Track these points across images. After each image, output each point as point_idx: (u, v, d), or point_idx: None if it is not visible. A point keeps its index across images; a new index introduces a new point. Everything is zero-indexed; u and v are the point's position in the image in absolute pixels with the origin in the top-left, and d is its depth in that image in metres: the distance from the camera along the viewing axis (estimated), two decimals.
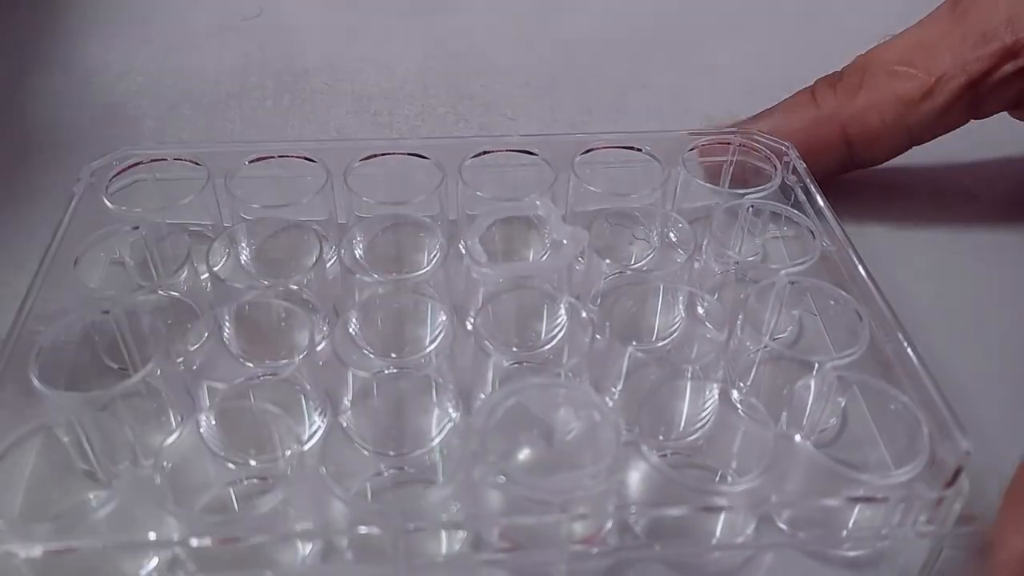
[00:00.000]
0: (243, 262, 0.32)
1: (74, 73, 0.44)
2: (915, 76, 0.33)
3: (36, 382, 0.25)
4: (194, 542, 0.22)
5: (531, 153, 0.33)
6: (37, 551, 0.21)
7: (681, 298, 0.30)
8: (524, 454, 0.24)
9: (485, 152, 0.33)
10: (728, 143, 0.34)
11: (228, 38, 0.48)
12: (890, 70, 0.33)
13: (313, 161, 0.33)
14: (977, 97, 0.33)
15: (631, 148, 0.34)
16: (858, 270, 0.29)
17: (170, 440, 0.24)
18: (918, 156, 0.36)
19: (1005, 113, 0.34)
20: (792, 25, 0.51)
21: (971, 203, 0.38)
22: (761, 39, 0.49)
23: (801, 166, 0.33)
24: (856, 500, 0.23)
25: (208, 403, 0.27)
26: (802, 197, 0.33)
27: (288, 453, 0.24)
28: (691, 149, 0.34)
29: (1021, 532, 0.22)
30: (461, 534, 0.24)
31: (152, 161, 0.32)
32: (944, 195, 0.38)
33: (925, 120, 0.33)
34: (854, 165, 0.35)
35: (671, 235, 0.33)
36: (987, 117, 0.34)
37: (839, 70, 0.35)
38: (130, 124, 0.41)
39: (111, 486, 0.25)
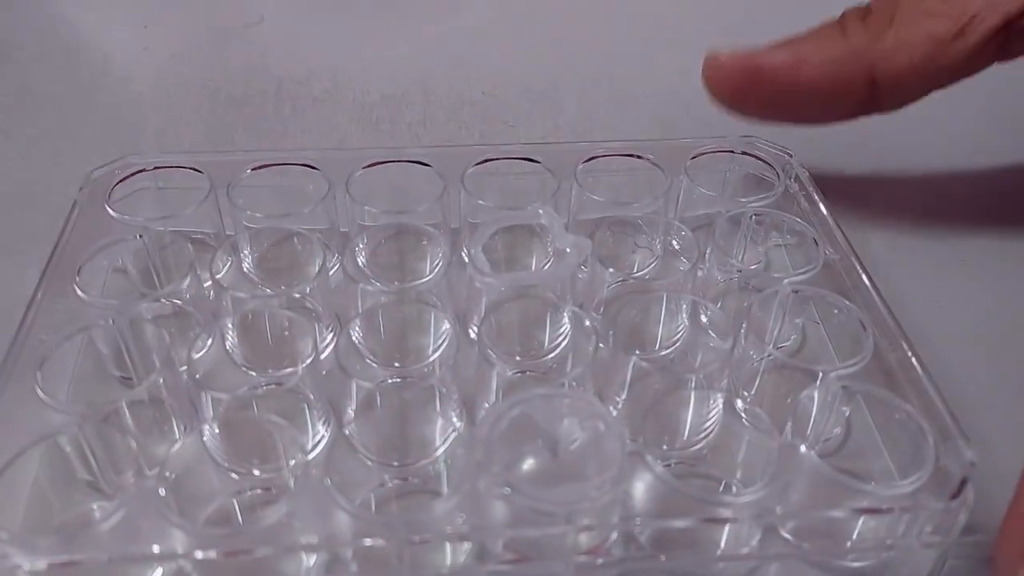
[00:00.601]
0: (245, 271, 0.32)
1: (76, 80, 0.44)
2: (948, 15, 0.31)
3: (40, 392, 0.25)
4: (199, 554, 0.22)
5: (534, 161, 0.33)
6: (42, 564, 0.21)
7: (684, 307, 0.30)
8: (529, 465, 0.24)
9: (488, 160, 0.33)
10: (730, 151, 0.34)
11: (229, 45, 0.47)
12: (922, 7, 0.32)
13: (315, 169, 0.33)
14: (1008, 38, 0.31)
15: (634, 156, 0.34)
16: (861, 279, 0.29)
17: (174, 450, 0.24)
18: (920, 163, 0.36)
19: (1013, 121, 0.34)
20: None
21: (974, 211, 0.38)
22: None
23: (804, 174, 0.33)
24: (861, 511, 0.23)
25: (212, 413, 0.26)
26: (805, 205, 0.33)
27: (292, 463, 0.24)
28: (693, 157, 0.34)
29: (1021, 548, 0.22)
30: (466, 546, 0.24)
31: (155, 169, 0.32)
32: (946, 202, 0.38)
33: (954, 62, 0.32)
34: (874, 108, 0.33)
35: (674, 243, 0.33)
36: (1015, 59, 0.33)
37: (868, 3, 0.34)
38: (131, 131, 0.41)
39: (114, 497, 0.25)
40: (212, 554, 0.22)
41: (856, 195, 0.36)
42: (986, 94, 0.40)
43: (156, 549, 0.22)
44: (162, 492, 0.22)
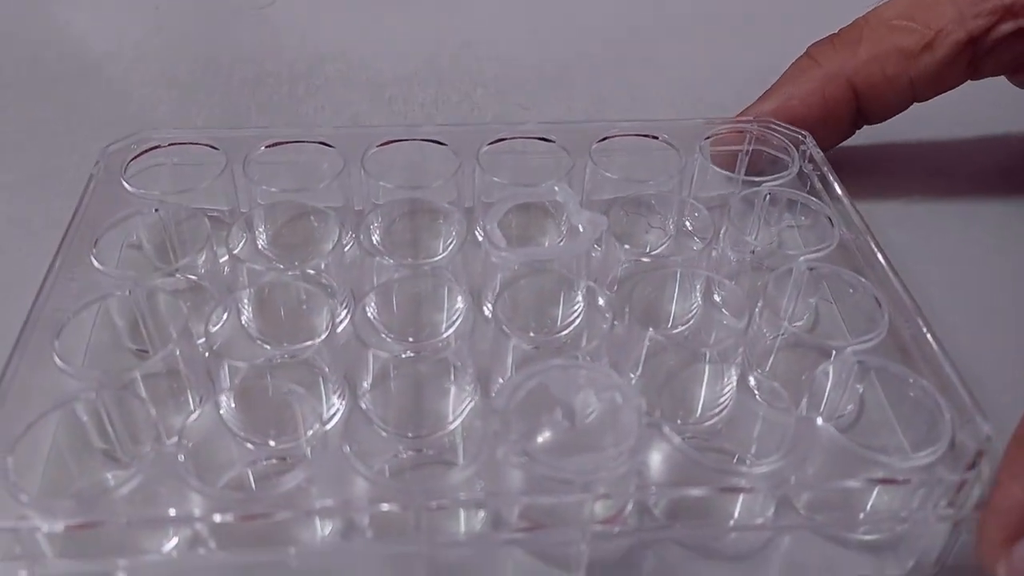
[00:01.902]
0: (260, 246, 0.33)
1: (88, 58, 0.44)
2: (915, 30, 0.33)
3: (58, 360, 0.25)
4: (217, 518, 0.22)
5: (548, 140, 0.33)
6: (59, 526, 0.21)
7: (698, 285, 0.30)
8: (546, 434, 0.24)
9: (502, 139, 0.33)
10: (744, 131, 0.34)
11: (241, 25, 0.48)
12: (890, 24, 0.34)
13: (330, 147, 0.33)
14: (976, 55, 0.33)
15: (648, 136, 0.34)
16: (876, 257, 0.29)
17: (191, 419, 0.24)
18: (933, 135, 0.36)
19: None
20: (804, 15, 0.50)
21: (988, 185, 0.38)
22: (772, 30, 0.49)
23: (818, 154, 0.33)
24: (879, 482, 0.24)
25: (228, 383, 0.27)
26: (819, 185, 0.33)
27: (310, 433, 0.24)
28: (707, 137, 0.34)
29: (1021, 480, 0.22)
30: (481, 514, 0.24)
31: (170, 145, 0.32)
32: (960, 177, 0.38)
33: (926, 74, 0.33)
34: (863, 121, 0.35)
35: (687, 223, 0.33)
36: (985, 78, 0.34)
37: (833, 33, 0.36)
38: (145, 109, 0.41)
39: (131, 465, 0.25)
40: (229, 517, 0.22)
41: (868, 174, 0.36)
42: None
43: (174, 513, 0.22)
44: (182, 458, 0.23)
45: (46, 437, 0.25)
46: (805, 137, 0.34)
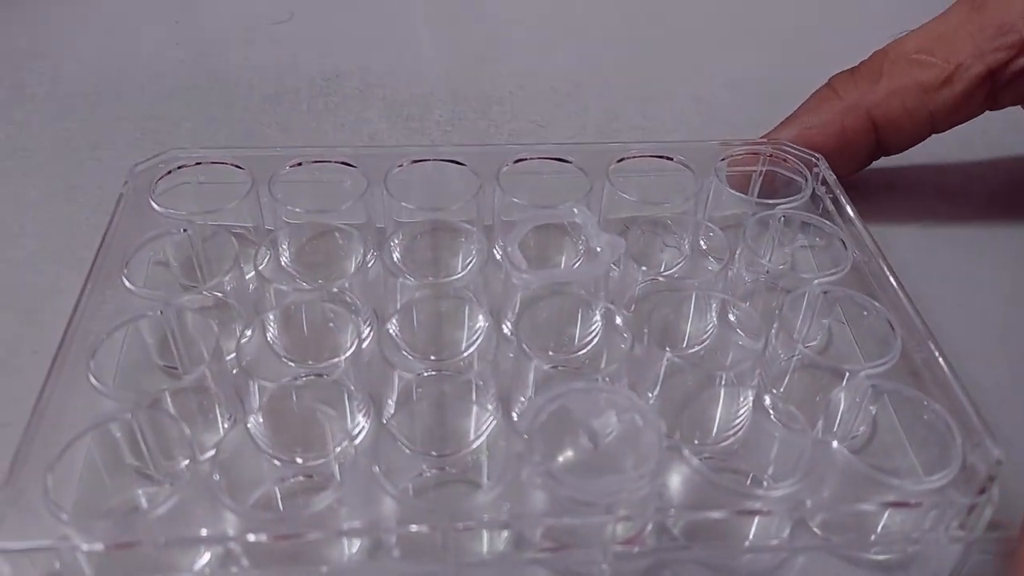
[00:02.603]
0: (284, 264, 0.33)
1: (108, 74, 0.45)
2: (934, 64, 0.34)
3: (93, 381, 0.25)
4: (251, 538, 0.23)
5: (566, 161, 0.34)
6: (99, 546, 0.22)
7: (714, 305, 0.30)
8: (568, 456, 0.25)
9: (521, 159, 0.34)
10: (758, 153, 0.35)
11: (259, 42, 0.48)
12: (910, 59, 0.34)
13: (352, 166, 0.34)
14: (994, 88, 0.34)
15: (664, 157, 0.34)
16: (889, 280, 0.30)
17: (222, 439, 0.25)
18: (947, 158, 0.37)
19: None
20: (813, 33, 0.51)
21: (1001, 208, 0.38)
22: (782, 48, 0.50)
23: (831, 177, 0.34)
24: (892, 505, 0.24)
25: (257, 402, 0.27)
26: (831, 207, 0.33)
27: (338, 451, 0.25)
28: (723, 159, 0.35)
29: None
30: (505, 534, 0.25)
31: (196, 164, 0.33)
32: (971, 199, 0.39)
33: (944, 108, 0.34)
34: (880, 152, 0.36)
35: (703, 243, 0.34)
36: (1003, 108, 0.35)
37: (854, 66, 0.36)
38: (166, 127, 0.42)
39: (163, 482, 0.26)
40: (263, 537, 0.23)
41: (881, 197, 0.37)
42: None
43: (205, 533, 0.23)
44: (216, 478, 0.23)
45: (78, 458, 0.25)
46: (819, 160, 0.34)
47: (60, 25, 0.49)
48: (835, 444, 0.24)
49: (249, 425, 0.26)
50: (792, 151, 0.34)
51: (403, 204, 0.32)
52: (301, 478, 0.27)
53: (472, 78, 0.46)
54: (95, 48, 0.47)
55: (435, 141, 0.41)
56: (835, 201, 0.33)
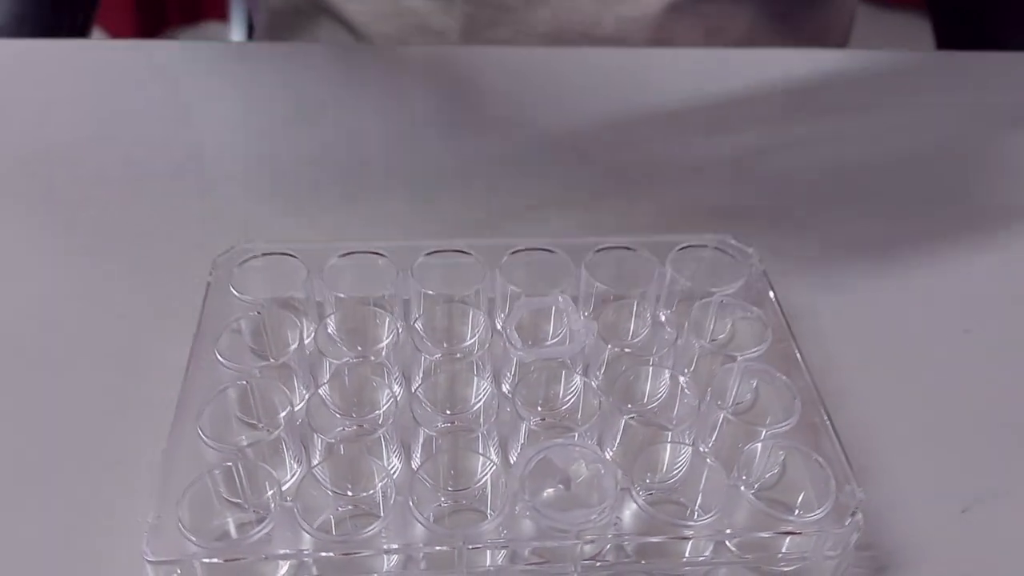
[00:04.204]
0: (330, 333, 0.42)
1: (170, 159, 0.54)
2: None
3: (203, 437, 0.35)
4: (324, 554, 0.32)
5: (552, 251, 0.43)
6: (220, 560, 0.31)
7: (666, 372, 0.40)
8: (549, 495, 0.34)
9: (518, 251, 0.43)
10: (705, 245, 0.44)
11: (298, 129, 0.57)
12: None
13: (385, 256, 0.43)
14: None
15: (630, 248, 0.43)
16: (796, 357, 0.39)
17: (294, 478, 0.34)
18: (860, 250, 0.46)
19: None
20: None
21: (901, 294, 0.48)
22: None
23: (759, 269, 0.43)
24: (785, 533, 0.34)
25: (318, 449, 0.37)
26: (761, 294, 0.42)
27: (380, 487, 0.34)
28: (677, 249, 0.44)
29: None
30: (503, 551, 0.34)
31: (264, 255, 0.42)
32: (879, 285, 0.48)
33: None
34: None
35: (661, 316, 0.43)
36: None
37: None
38: (226, 211, 0.50)
39: (257, 511, 0.35)
40: (332, 553, 0.32)
41: (801, 278, 0.46)
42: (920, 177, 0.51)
43: (284, 551, 0.32)
44: (297, 508, 0.33)
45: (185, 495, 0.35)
46: (751, 254, 0.43)
47: (130, 116, 0.58)
48: (742, 487, 0.34)
49: (314, 469, 0.35)
50: (731, 246, 0.44)
51: (423, 291, 0.42)
52: (351, 507, 0.36)
53: (476, 167, 0.55)
54: (159, 135, 0.56)
55: (449, 226, 0.50)
56: (762, 290, 0.42)
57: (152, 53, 0.64)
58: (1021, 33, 0.89)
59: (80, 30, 0.81)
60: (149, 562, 0.31)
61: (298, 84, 0.61)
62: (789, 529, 0.33)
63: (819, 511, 0.33)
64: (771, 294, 0.42)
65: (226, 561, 0.32)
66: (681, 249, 0.44)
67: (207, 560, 0.31)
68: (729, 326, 0.43)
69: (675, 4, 0.68)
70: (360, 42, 0.73)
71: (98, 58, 0.64)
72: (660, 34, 0.70)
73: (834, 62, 0.66)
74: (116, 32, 1.80)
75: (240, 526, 0.35)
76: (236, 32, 1.25)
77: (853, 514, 0.33)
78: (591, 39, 0.69)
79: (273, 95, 0.60)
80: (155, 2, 1.91)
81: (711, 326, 0.43)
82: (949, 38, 0.83)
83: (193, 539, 0.31)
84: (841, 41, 0.83)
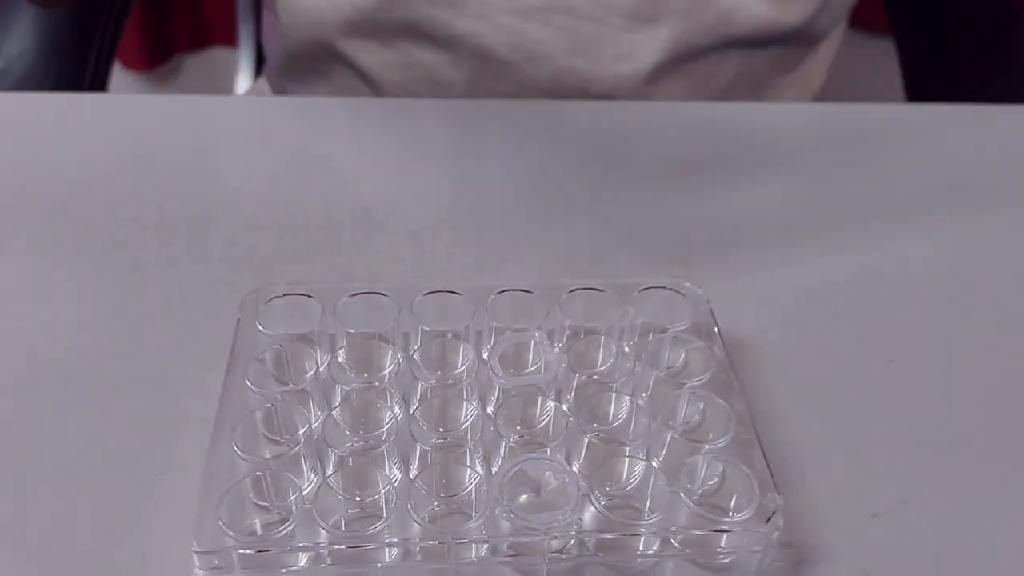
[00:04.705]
0: (340, 362, 0.49)
1: (198, 206, 0.61)
2: None
3: (237, 451, 0.42)
4: (337, 547, 0.39)
5: (530, 292, 0.50)
6: (250, 551, 0.38)
7: (627, 397, 0.47)
8: (523, 500, 0.41)
9: (503, 291, 0.50)
10: (663, 286, 0.51)
11: (315, 176, 0.65)
12: None
13: (387, 296, 0.50)
14: None
15: (598, 290, 0.51)
16: (735, 385, 0.46)
17: (314, 485, 0.41)
18: (800, 290, 0.53)
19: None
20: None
21: (831, 322, 0.55)
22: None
23: (707, 307, 0.50)
24: (717, 531, 0.41)
25: (331, 460, 0.44)
26: (709, 329, 0.50)
27: (383, 493, 0.41)
28: (638, 290, 0.51)
29: None
30: (485, 546, 0.41)
31: (285, 295, 0.50)
32: (812, 318, 0.55)
33: None
34: None
35: (625, 348, 0.50)
36: None
37: None
38: (247, 250, 0.58)
39: (281, 512, 0.42)
40: (343, 547, 0.39)
41: (745, 314, 0.53)
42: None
43: (302, 544, 0.39)
44: (314, 511, 0.40)
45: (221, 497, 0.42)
46: (701, 294, 0.51)
47: (161, 167, 0.66)
48: (682, 494, 0.41)
49: (328, 479, 0.42)
50: (686, 287, 0.51)
51: (421, 327, 0.49)
52: (358, 510, 0.43)
53: (471, 211, 0.62)
54: (189, 184, 0.64)
55: (444, 265, 0.57)
56: (708, 326, 0.50)
57: (183, 107, 0.72)
58: (987, 72, 0.97)
59: (104, 64, 0.88)
60: (196, 553, 0.38)
61: (315, 136, 0.68)
62: (721, 528, 0.40)
63: (745, 513, 0.40)
64: (715, 329, 0.49)
65: (257, 552, 0.39)
66: (642, 290, 0.51)
67: (242, 551, 0.38)
68: (682, 356, 0.50)
69: (661, 65, 0.76)
70: (371, 88, 0.80)
71: (135, 112, 0.72)
72: (649, 90, 0.77)
73: (795, 115, 0.73)
74: (125, 58, 1.87)
75: (266, 525, 0.43)
76: (244, 59, 1.31)
77: (773, 515, 0.40)
78: (586, 95, 0.77)
79: (292, 147, 0.68)
80: (163, 29, 1.97)
81: (666, 357, 0.50)
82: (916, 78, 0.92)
83: (231, 534, 0.39)
84: (821, 79, 0.91)
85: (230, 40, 1.50)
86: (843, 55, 0.93)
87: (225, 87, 1.29)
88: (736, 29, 0.76)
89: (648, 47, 0.75)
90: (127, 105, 0.75)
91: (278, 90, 0.94)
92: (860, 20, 0.94)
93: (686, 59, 0.77)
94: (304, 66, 0.85)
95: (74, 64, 0.89)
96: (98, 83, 0.89)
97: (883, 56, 1.06)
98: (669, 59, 0.76)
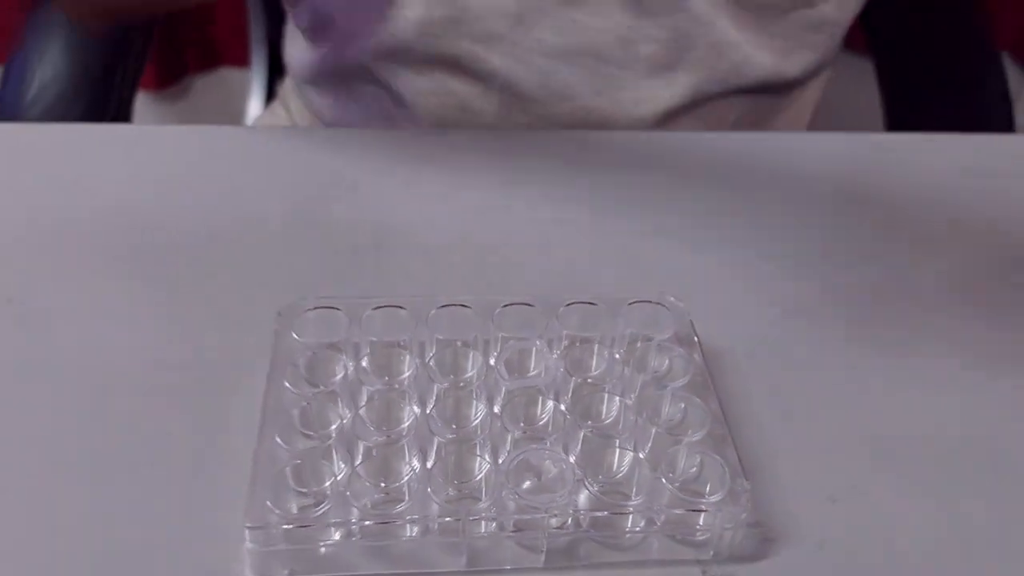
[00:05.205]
0: (364, 366, 0.56)
1: (227, 225, 0.68)
2: None
3: (280, 444, 0.48)
4: (367, 523, 0.46)
5: (531, 305, 0.57)
6: (291, 526, 0.45)
7: (617, 398, 0.53)
8: (526, 485, 0.48)
9: (508, 304, 0.57)
10: (650, 300, 0.58)
11: (341, 202, 0.71)
12: None
13: (405, 309, 0.57)
14: None
15: (592, 303, 0.57)
16: (711, 388, 0.53)
17: (345, 474, 0.48)
18: (773, 304, 0.60)
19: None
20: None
21: (803, 328, 0.62)
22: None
23: (688, 319, 0.57)
24: (693, 511, 0.47)
25: (359, 452, 0.50)
26: (690, 338, 0.56)
27: (405, 479, 0.48)
28: (628, 304, 0.57)
29: None
30: (493, 524, 0.48)
31: (316, 308, 0.56)
32: (785, 326, 0.62)
33: None
34: None
35: (616, 354, 0.57)
36: None
37: None
38: (272, 267, 0.65)
39: (317, 497, 0.49)
40: (371, 523, 0.46)
41: (719, 323, 0.60)
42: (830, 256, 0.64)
43: (334, 521, 0.46)
44: (348, 493, 0.46)
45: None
46: (683, 308, 0.57)
47: (197, 196, 0.72)
48: (664, 480, 0.47)
49: (357, 468, 0.49)
50: (670, 302, 0.58)
51: (436, 336, 0.55)
52: (384, 495, 0.50)
53: (483, 233, 0.69)
54: (214, 205, 0.70)
55: (458, 282, 0.64)
56: (689, 335, 0.56)
57: (216, 136, 0.79)
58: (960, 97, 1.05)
59: (130, 88, 0.94)
60: (248, 528, 0.45)
61: (342, 165, 0.75)
62: (698, 508, 0.47)
63: (718, 495, 0.47)
64: (695, 339, 0.56)
65: (298, 527, 0.45)
66: (631, 304, 0.58)
67: (286, 526, 0.45)
68: (666, 362, 0.57)
69: (674, 110, 0.83)
70: (401, 110, 0.86)
71: (167, 142, 0.79)
72: (664, 128, 0.84)
73: (788, 143, 0.81)
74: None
75: (302, 508, 0.49)
76: (256, 80, 1.36)
77: (742, 498, 0.47)
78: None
79: (323, 175, 0.75)
80: (175, 50, 2.02)
81: (652, 362, 0.56)
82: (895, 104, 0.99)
83: (277, 512, 0.45)
84: (812, 110, 0.97)
85: (241, 61, 1.56)
86: (831, 76, 0.99)
87: (236, 107, 1.35)
88: (743, 79, 0.83)
89: (666, 92, 0.82)
90: (158, 136, 0.81)
91: (301, 99, 0.99)
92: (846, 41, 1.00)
93: (698, 104, 0.84)
94: (336, 82, 0.90)
95: (104, 88, 0.95)
96: (124, 106, 0.95)
97: (866, 74, 1.10)
98: (683, 104, 0.83)
